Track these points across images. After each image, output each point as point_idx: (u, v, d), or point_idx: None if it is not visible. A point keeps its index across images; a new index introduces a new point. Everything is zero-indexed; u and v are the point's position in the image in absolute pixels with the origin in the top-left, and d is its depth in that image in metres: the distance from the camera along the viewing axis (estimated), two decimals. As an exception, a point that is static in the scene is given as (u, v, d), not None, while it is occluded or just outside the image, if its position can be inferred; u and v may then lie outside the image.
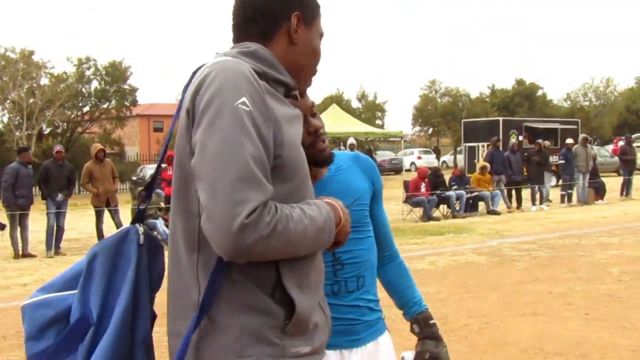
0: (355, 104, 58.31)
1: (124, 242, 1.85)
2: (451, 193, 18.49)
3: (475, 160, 26.86)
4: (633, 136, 28.36)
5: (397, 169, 42.38)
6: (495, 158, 20.04)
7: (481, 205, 19.52)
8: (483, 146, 27.75)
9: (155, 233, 13.36)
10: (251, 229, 1.59)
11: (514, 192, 20.35)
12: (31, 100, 35.04)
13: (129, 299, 1.79)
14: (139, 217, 1.93)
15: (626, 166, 22.68)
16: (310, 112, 2.34)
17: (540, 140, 22.41)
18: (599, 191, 21.66)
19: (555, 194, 21.86)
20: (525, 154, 21.70)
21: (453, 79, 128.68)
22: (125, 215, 14.80)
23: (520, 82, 60.91)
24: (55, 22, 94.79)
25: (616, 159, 23.97)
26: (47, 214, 13.80)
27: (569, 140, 22.51)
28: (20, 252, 13.33)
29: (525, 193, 20.78)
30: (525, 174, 21.26)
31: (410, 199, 18.04)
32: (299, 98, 2.04)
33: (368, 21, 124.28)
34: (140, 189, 15.28)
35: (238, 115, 1.65)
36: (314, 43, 1.98)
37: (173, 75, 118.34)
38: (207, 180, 1.64)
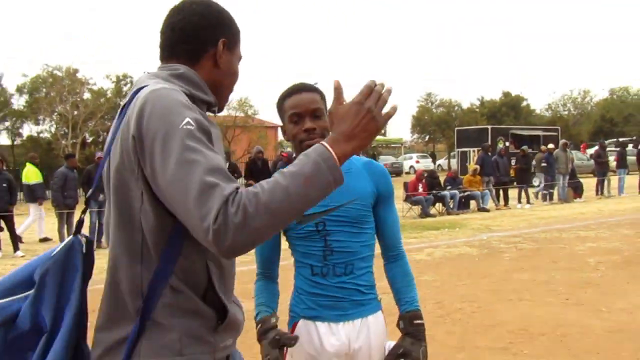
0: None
1: (71, 254, 1.78)
2: (446, 193, 18.50)
3: (467, 164, 26.85)
4: (606, 142, 28.26)
5: (397, 172, 42.30)
6: (485, 161, 20.02)
7: (472, 203, 19.52)
8: (474, 151, 27.67)
9: None
10: (224, 229, 1.51)
11: (501, 191, 20.30)
12: (75, 113, 35.22)
13: (78, 306, 1.74)
14: (79, 227, 1.83)
15: (600, 168, 22.64)
16: (310, 115, 2.37)
17: (525, 147, 22.35)
18: (577, 190, 21.62)
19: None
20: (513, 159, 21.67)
21: (447, 91, 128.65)
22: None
23: (506, 94, 60.78)
24: (97, 41, 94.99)
25: (592, 161, 23.88)
26: (90, 212, 13.86)
27: (550, 145, 22.49)
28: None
29: (512, 192, 20.74)
30: (512, 175, 21.21)
31: (410, 198, 18.11)
32: (216, 113, 2.02)
33: (371, 41, 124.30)
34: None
35: (184, 135, 1.60)
36: (234, 66, 1.96)
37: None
38: (177, 203, 1.59)
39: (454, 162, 30.56)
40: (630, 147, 32.48)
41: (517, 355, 5.49)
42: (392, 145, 48.75)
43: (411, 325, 2.47)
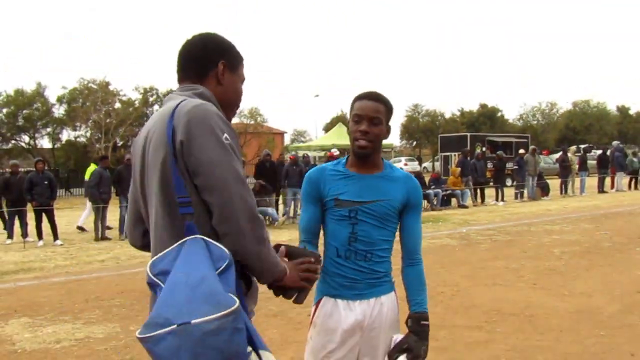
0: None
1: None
2: (430, 191, 18.47)
3: (449, 166, 26.78)
4: (569, 148, 28.21)
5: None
6: (465, 164, 20.01)
7: (453, 200, 19.47)
8: (455, 155, 27.68)
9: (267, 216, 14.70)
10: (261, 227, 1.81)
11: (478, 190, 20.29)
12: (108, 120, 35.19)
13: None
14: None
15: (564, 171, 22.64)
16: (368, 120, 2.47)
17: (500, 152, 22.33)
18: (544, 190, 21.61)
19: (510, 192, 21.82)
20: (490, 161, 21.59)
21: (431, 101, 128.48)
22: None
23: (483, 106, 60.68)
24: (127, 53, 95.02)
25: (557, 165, 23.85)
26: (120, 207, 13.87)
27: (521, 151, 22.49)
28: (100, 236, 13.44)
29: (488, 191, 20.74)
30: (488, 176, 21.17)
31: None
32: None
33: (365, 56, 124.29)
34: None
35: (227, 147, 1.81)
36: (237, 85, 2.09)
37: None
38: (218, 200, 1.77)
39: (438, 165, 30.57)
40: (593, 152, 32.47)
41: (490, 333, 5.51)
42: (384, 149, 48.64)
43: (418, 326, 2.51)
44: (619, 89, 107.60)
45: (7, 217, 13.78)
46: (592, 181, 24.11)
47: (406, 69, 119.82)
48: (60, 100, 39.35)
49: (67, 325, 6.23)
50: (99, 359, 5.15)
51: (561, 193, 22.32)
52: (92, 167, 15.26)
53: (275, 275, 1.91)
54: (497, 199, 20.11)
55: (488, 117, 58.87)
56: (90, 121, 36.42)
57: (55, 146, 41.32)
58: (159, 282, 1.68)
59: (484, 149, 28.19)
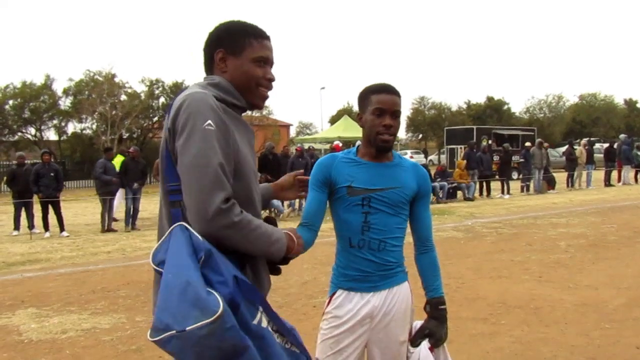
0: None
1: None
2: (435, 184, 18.45)
3: (455, 159, 26.74)
4: (579, 140, 28.07)
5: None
6: (471, 157, 19.95)
7: (459, 193, 19.44)
8: (461, 148, 27.60)
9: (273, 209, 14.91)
10: (225, 214, 1.76)
11: (484, 183, 20.25)
12: (113, 112, 35.14)
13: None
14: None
15: (571, 164, 22.57)
16: (391, 114, 2.48)
17: (506, 145, 22.28)
18: (551, 183, 21.56)
19: (516, 185, 21.76)
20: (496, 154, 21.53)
21: (438, 94, 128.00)
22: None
23: (490, 99, 60.34)
24: (133, 45, 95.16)
25: (564, 158, 23.76)
26: (126, 198, 13.92)
27: (527, 144, 22.41)
28: (106, 228, 13.48)
29: (494, 184, 20.69)
30: (494, 169, 21.12)
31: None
32: (252, 110, 2.18)
33: (371, 49, 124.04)
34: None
35: (205, 134, 1.79)
36: (243, 68, 2.04)
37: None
38: (187, 183, 1.80)
39: (444, 158, 30.50)
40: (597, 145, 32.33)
41: (495, 325, 5.51)
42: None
43: (436, 310, 2.58)
44: (626, 82, 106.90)
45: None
46: (598, 174, 24.03)
47: (413, 61, 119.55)
48: (66, 92, 39.37)
49: (74, 315, 6.27)
50: (105, 349, 5.18)
51: (568, 186, 22.26)
52: (120, 158, 15.23)
53: (275, 253, 1.97)
54: (502, 192, 20.08)
55: (494, 110, 58.57)
56: (96, 113, 36.40)
57: (62, 138, 41.38)
58: (161, 271, 1.76)
59: (490, 141, 28.09)
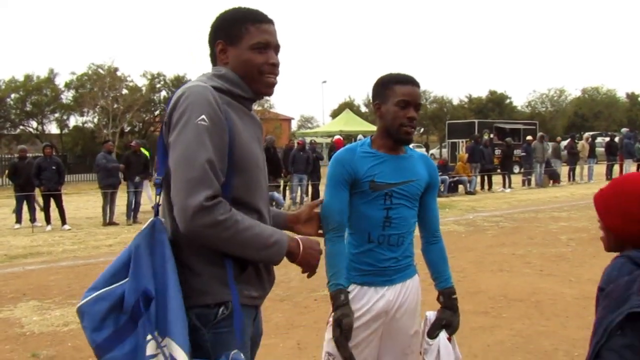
0: (364, 109, 58.08)
1: (155, 231, 1.83)
2: (437, 178, 18.42)
3: (457, 153, 26.70)
4: (583, 134, 28.01)
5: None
6: (475, 150, 19.93)
7: (460, 187, 19.44)
8: (462, 142, 27.56)
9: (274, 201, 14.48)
10: (208, 212, 1.70)
11: (486, 177, 20.24)
12: (115, 106, 35.13)
13: (175, 271, 1.77)
14: (157, 212, 1.93)
15: (572, 158, 22.53)
16: (415, 106, 2.44)
17: (507, 139, 22.26)
18: (554, 177, 21.54)
19: (517, 179, 21.74)
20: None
21: (439, 88, 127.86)
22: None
23: (492, 93, 60.26)
24: (134, 39, 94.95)
25: (565, 152, 23.72)
26: (128, 192, 13.92)
27: (529, 137, 22.37)
28: (108, 221, 13.49)
29: (495, 178, 20.68)
30: (496, 163, 21.11)
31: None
32: (256, 100, 2.09)
33: (372, 43, 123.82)
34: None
35: (198, 129, 1.74)
36: (245, 56, 1.95)
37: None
38: (174, 178, 1.75)
39: (445, 152, 30.46)
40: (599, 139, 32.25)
41: (497, 318, 5.52)
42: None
43: (450, 300, 2.59)
44: (628, 76, 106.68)
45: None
46: (600, 168, 24.00)
47: (414, 54, 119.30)
48: (68, 85, 39.35)
49: (75, 308, 6.27)
50: (106, 342, 5.18)
51: (569, 180, 22.24)
52: (146, 153, 15.18)
53: (271, 257, 1.87)
54: (504, 186, 20.06)
55: (496, 104, 58.48)
56: (98, 107, 36.40)
57: (63, 132, 41.38)
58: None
59: (491, 135, 28.05)
